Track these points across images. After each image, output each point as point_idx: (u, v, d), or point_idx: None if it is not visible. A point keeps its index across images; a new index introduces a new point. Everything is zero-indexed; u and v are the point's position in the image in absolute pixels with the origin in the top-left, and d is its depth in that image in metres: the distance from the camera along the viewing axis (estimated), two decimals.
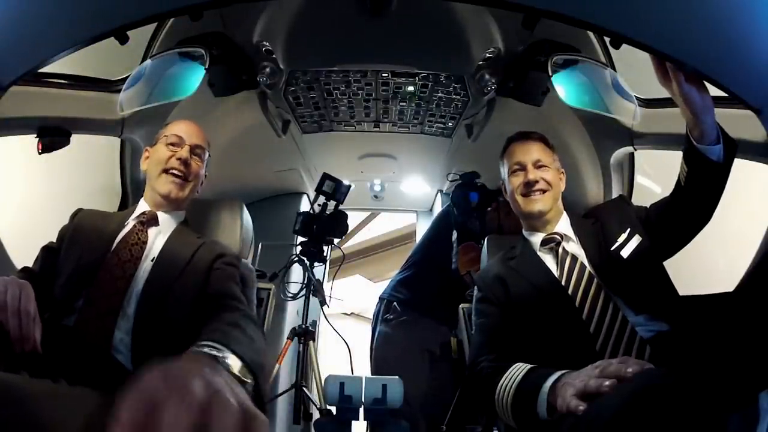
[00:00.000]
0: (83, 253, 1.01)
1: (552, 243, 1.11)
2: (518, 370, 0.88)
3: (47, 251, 1.07)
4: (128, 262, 1.00)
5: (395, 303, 1.86)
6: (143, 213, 1.12)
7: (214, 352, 0.69)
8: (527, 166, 1.15)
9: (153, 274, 1.00)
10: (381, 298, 1.94)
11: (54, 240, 1.10)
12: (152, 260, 1.03)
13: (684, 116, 0.89)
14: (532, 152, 1.17)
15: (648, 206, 1.12)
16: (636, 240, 1.05)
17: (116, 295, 0.94)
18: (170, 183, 1.12)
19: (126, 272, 0.98)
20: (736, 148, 0.91)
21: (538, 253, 1.13)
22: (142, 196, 1.20)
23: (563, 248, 1.09)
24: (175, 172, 1.13)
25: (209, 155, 1.26)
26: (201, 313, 0.93)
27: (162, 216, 1.14)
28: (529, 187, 1.14)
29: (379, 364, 1.71)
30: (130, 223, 1.10)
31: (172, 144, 1.16)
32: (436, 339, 1.79)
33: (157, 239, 1.09)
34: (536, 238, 1.15)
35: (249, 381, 0.69)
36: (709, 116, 0.87)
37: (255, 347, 0.77)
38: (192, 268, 1.03)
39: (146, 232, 1.08)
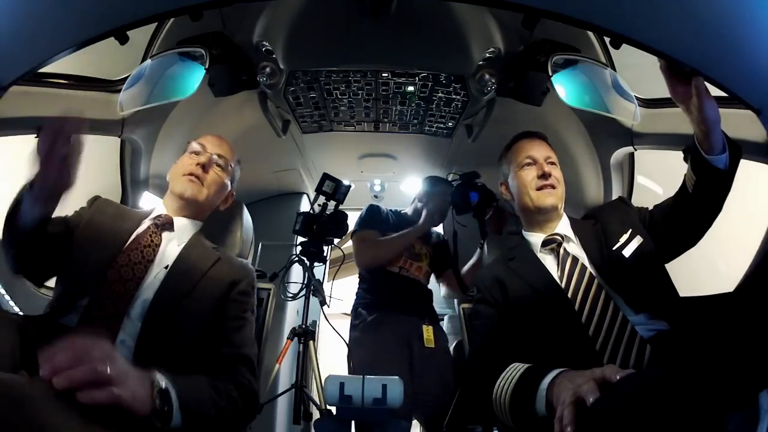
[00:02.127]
0: (93, 251, 1.00)
1: (553, 244, 1.11)
2: (515, 369, 0.88)
3: (61, 223, 1.03)
4: (139, 264, 0.99)
5: (360, 308, 1.86)
6: (159, 216, 1.11)
7: (163, 388, 0.72)
8: (539, 160, 1.15)
9: (165, 283, 0.98)
10: (351, 310, 1.95)
11: (71, 215, 1.07)
12: (166, 268, 1.01)
13: (695, 129, 0.90)
14: (542, 149, 1.18)
15: (650, 208, 1.12)
16: (637, 241, 1.05)
17: (123, 298, 0.93)
18: (187, 183, 1.11)
19: (135, 275, 0.97)
20: (741, 152, 0.93)
21: (538, 253, 1.12)
22: (141, 196, 1.20)
23: (564, 249, 1.09)
24: (192, 176, 1.12)
25: (237, 171, 1.25)
26: (208, 345, 0.96)
27: (178, 222, 1.12)
28: (545, 179, 1.13)
29: (354, 368, 1.71)
30: (145, 223, 1.09)
31: (195, 153, 1.16)
32: (406, 333, 1.78)
33: (169, 245, 1.07)
34: (536, 239, 1.14)
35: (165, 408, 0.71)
36: (719, 128, 0.89)
37: (208, 402, 0.83)
38: (205, 286, 1.02)
39: (160, 235, 1.07)
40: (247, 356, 1.00)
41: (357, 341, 1.78)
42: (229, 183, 1.22)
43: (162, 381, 0.72)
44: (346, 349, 1.69)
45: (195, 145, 1.18)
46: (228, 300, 1.04)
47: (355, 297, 1.94)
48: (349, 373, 1.68)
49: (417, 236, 1.84)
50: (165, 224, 1.09)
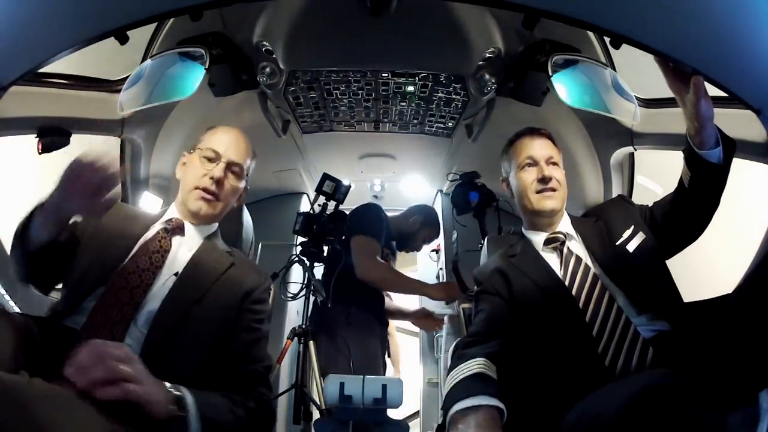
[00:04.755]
0: (100, 253, 0.97)
1: (556, 242, 1.10)
2: (467, 368, 0.88)
3: (71, 227, 0.99)
4: (146, 270, 0.95)
5: (339, 303, 1.86)
6: (170, 220, 1.06)
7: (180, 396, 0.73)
8: (540, 162, 1.12)
9: (174, 291, 0.94)
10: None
11: (79, 221, 1.03)
12: (175, 275, 0.97)
13: (687, 124, 0.91)
14: (544, 148, 1.14)
15: (650, 205, 1.12)
16: (640, 237, 1.05)
17: (129, 305, 0.90)
18: (200, 200, 1.04)
19: (143, 281, 0.93)
20: (735, 147, 0.93)
21: (541, 252, 1.12)
22: (141, 197, 1.18)
23: (568, 248, 1.08)
24: (205, 193, 1.05)
25: (252, 167, 1.18)
26: (219, 357, 0.93)
27: (190, 227, 1.07)
28: (544, 183, 1.11)
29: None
30: (156, 227, 1.04)
31: (208, 159, 1.07)
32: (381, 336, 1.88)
33: (180, 250, 1.02)
34: (539, 237, 1.13)
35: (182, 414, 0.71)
36: (711, 124, 0.89)
37: (228, 415, 0.81)
38: (217, 293, 0.97)
39: (169, 240, 1.02)
40: (262, 373, 0.96)
41: (351, 340, 1.80)
42: (244, 183, 1.15)
43: (177, 389, 0.74)
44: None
45: (208, 150, 1.08)
46: (241, 310, 0.99)
47: (327, 280, 1.87)
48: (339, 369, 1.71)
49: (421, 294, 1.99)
50: (175, 228, 1.05)
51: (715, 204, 0.97)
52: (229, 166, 1.08)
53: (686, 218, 1.01)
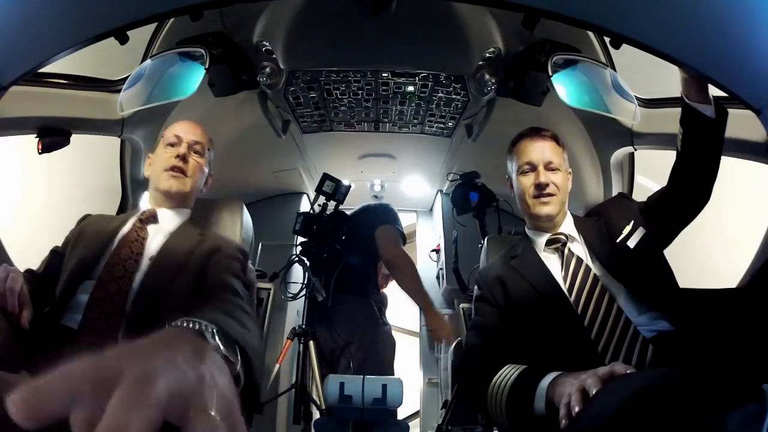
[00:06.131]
0: (83, 252, 1.01)
1: (558, 243, 1.11)
2: (513, 368, 0.88)
3: (53, 254, 1.08)
4: (129, 259, 1.00)
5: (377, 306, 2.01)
6: (143, 212, 1.13)
7: (198, 327, 0.49)
8: (538, 167, 1.13)
9: (148, 273, 0.98)
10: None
11: (60, 244, 1.11)
12: (150, 259, 1.02)
13: (683, 81, 0.93)
14: (544, 152, 1.15)
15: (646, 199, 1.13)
16: (640, 231, 1.05)
17: (119, 295, 0.93)
18: (170, 179, 1.14)
19: (127, 270, 0.98)
20: (727, 114, 0.94)
21: (542, 253, 1.12)
22: (142, 196, 1.20)
23: (569, 249, 1.08)
24: (173, 171, 1.14)
25: (211, 153, 1.25)
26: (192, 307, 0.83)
27: (162, 213, 1.13)
28: (540, 190, 1.12)
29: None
30: (131, 221, 1.10)
31: (171, 144, 1.18)
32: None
33: (155, 237, 1.08)
34: (541, 238, 1.14)
35: (236, 363, 0.53)
36: (705, 84, 0.91)
37: (247, 333, 0.66)
38: (188, 266, 1.01)
39: (145, 229, 1.08)
40: (244, 308, 0.84)
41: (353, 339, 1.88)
42: (207, 167, 1.23)
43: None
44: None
45: (170, 137, 1.18)
46: (208, 263, 1.00)
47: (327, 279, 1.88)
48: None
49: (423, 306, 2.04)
50: (149, 218, 1.11)
51: (711, 167, 0.97)
52: (191, 146, 1.18)
53: (685, 185, 1.02)
